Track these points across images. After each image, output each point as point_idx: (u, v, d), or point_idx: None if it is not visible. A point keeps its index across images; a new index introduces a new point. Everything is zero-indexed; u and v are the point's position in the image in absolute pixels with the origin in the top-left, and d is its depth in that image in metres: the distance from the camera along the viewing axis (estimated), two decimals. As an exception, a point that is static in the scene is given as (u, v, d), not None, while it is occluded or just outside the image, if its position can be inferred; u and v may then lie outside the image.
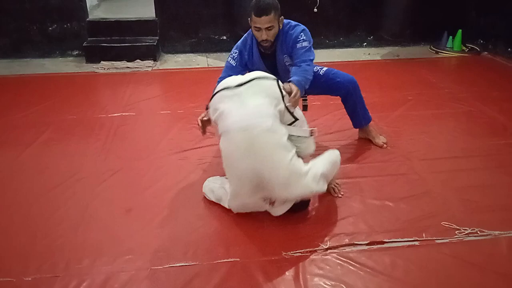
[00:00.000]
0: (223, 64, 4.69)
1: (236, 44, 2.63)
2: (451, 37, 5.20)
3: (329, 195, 2.39)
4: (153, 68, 4.67)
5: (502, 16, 4.95)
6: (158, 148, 2.96)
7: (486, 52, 5.13)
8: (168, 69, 4.71)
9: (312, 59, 2.52)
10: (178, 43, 5.18)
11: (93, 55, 4.78)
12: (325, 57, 4.80)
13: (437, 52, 5.23)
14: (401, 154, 2.85)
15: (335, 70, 2.78)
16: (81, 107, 3.61)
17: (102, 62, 4.72)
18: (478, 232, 2.11)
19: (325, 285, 1.82)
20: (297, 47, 2.48)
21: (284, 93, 2.14)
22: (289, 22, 2.54)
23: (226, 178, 2.22)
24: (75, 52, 5.00)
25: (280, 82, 2.18)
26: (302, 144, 2.16)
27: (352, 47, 5.41)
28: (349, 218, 2.22)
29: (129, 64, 4.71)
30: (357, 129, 3.01)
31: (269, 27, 2.37)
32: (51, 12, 4.84)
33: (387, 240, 2.06)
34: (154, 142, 3.04)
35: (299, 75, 2.41)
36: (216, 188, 2.32)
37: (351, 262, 1.94)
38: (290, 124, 2.15)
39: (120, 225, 2.19)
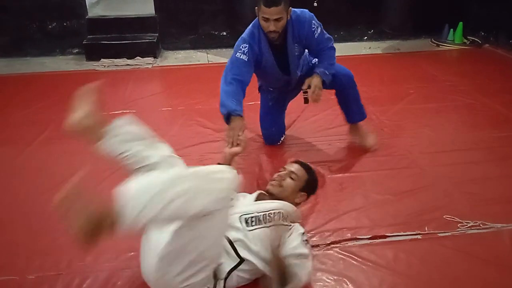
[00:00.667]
0: (223, 60, 4.74)
1: (242, 38, 2.46)
2: (452, 29, 5.17)
3: (330, 191, 2.38)
4: (153, 65, 4.67)
5: (503, 7, 4.92)
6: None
7: (487, 45, 5.11)
8: (168, 65, 4.70)
9: (332, 44, 2.52)
10: (178, 39, 5.17)
11: (93, 53, 4.77)
12: (326, 52, 4.78)
13: (438, 45, 5.20)
14: (403, 148, 2.84)
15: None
16: (81, 105, 3.60)
17: (102, 59, 4.71)
18: (481, 225, 2.10)
19: (327, 280, 1.82)
20: (315, 37, 2.44)
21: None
22: (293, 10, 2.44)
23: None
24: (75, 50, 4.99)
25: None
26: None
27: (353, 41, 5.38)
28: (351, 213, 2.22)
29: (129, 61, 4.70)
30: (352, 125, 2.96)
31: (278, 18, 2.29)
32: (51, 10, 4.83)
33: (389, 234, 2.06)
34: (155, 139, 3.03)
35: (322, 65, 2.47)
36: None
37: (353, 256, 1.93)
38: None
39: (122, 222, 2.19)
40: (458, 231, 2.08)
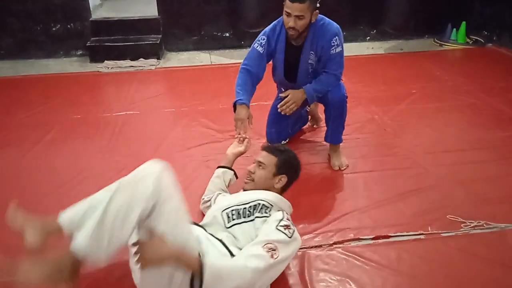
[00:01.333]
0: (226, 60, 4.76)
1: (264, 30, 2.48)
2: (455, 29, 5.16)
3: (333, 191, 2.39)
4: (157, 67, 4.68)
5: (507, 7, 4.91)
6: (162, 146, 2.97)
7: (490, 44, 5.09)
8: (171, 67, 4.71)
9: (341, 72, 2.47)
10: (181, 41, 5.18)
11: (97, 55, 4.79)
12: (329, 52, 4.78)
13: (441, 45, 5.19)
14: (406, 148, 2.84)
15: None
16: (85, 107, 3.63)
17: (105, 61, 4.73)
18: (484, 224, 2.10)
19: (330, 280, 1.82)
20: (330, 52, 2.39)
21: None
22: (323, 18, 2.42)
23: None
24: (79, 52, 5.01)
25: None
26: None
27: (356, 42, 5.38)
28: (354, 213, 2.22)
29: (133, 62, 4.72)
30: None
31: (300, 16, 2.25)
32: (55, 12, 4.85)
33: (393, 234, 2.06)
34: (158, 140, 3.04)
35: (316, 83, 2.44)
36: None
37: (356, 256, 1.94)
38: None
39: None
40: (461, 231, 2.08)
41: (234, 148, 2.32)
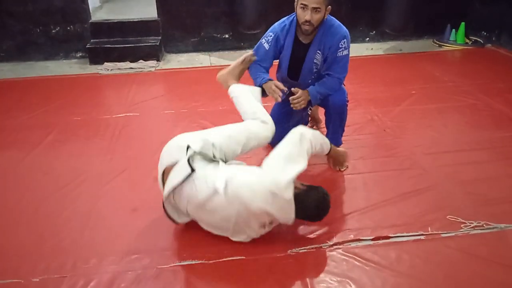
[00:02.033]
0: (226, 62, 4.76)
1: (273, 26, 2.50)
2: (454, 30, 5.17)
3: (333, 192, 2.39)
4: (156, 68, 4.68)
5: (506, 7, 4.92)
6: (162, 147, 2.96)
7: (489, 45, 5.10)
8: (171, 68, 4.72)
9: (344, 76, 2.49)
10: (181, 42, 5.19)
11: (97, 57, 4.80)
12: (328, 53, 4.79)
13: (440, 46, 5.20)
14: (406, 149, 2.84)
15: None
16: (85, 108, 3.63)
17: (105, 63, 4.74)
18: (484, 225, 2.11)
19: (330, 281, 1.82)
20: (337, 54, 2.40)
21: None
22: (333, 19, 2.44)
23: None
24: (79, 54, 5.02)
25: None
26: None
27: (355, 42, 5.36)
28: (354, 214, 2.23)
29: (132, 64, 4.72)
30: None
31: (317, 8, 2.25)
32: (54, 15, 4.86)
33: (393, 235, 2.07)
34: (158, 141, 3.02)
35: (320, 85, 2.45)
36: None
37: (356, 257, 1.94)
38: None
39: (126, 225, 2.21)
40: (461, 231, 2.08)
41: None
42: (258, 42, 2.54)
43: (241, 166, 2.10)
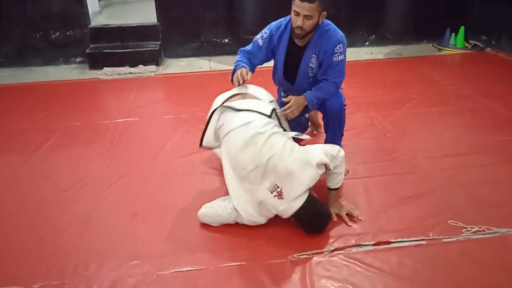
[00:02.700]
0: (225, 67, 4.76)
1: (270, 25, 2.48)
2: (453, 34, 5.18)
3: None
4: (156, 73, 4.69)
5: (505, 12, 4.92)
6: (162, 152, 2.96)
7: (489, 48, 5.11)
8: (170, 73, 4.72)
9: (341, 81, 2.46)
10: (180, 47, 5.20)
11: (96, 61, 4.80)
12: (328, 57, 4.79)
13: (440, 50, 5.21)
14: (406, 152, 2.84)
15: None
16: (85, 113, 3.63)
17: (105, 68, 4.74)
18: (485, 229, 2.09)
19: (332, 287, 1.81)
20: (333, 59, 2.38)
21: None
22: (330, 24, 2.42)
23: (224, 201, 2.19)
24: (78, 59, 5.02)
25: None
26: None
27: (355, 47, 5.39)
28: (355, 218, 2.21)
29: (132, 69, 4.73)
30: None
31: (308, 16, 2.24)
32: (54, 20, 4.87)
33: (394, 240, 2.05)
34: (158, 146, 3.04)
35: (317, 90, 2.42)
36: (220, 210, 2.17)
37: (357, 263, 1.93)
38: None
39: (126, 230, 2.20)
40: (463, 236, 2.07)
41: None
42: (256, 36, 2.51)
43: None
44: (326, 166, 2.09)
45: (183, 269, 1.93)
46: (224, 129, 2.22)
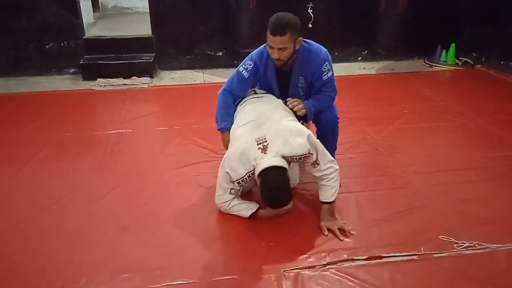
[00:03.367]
0: (219, 80, 4.78)
1: (250, 55, 2.44)
2: (444, 50, 5.26)
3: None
4: (150, 85, 4.69)
5: (494, 29, 5.02)
6: (155, 164, 2.96)
7: (479, 65, 5.19)
8: (164, 85, 4.73)
9: (335, 94, 2.47)
10: (175, 59, 5.22)
11: (90, 73, 4.80)
12: (321, 72, 4.83)
13: (431, 66, 5.28)
14: (398, 168, 2.85)
15: None
16: (78, 125, 3.61)
17: (98, 79, 4.74)
18: (477, 245, 2.11)
19: (324, 301, 1.81)
20: (323, 78, 2.37)
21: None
22: (309, 44, 2.38)
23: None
24: (72, 70, 5.02)
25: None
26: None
27: (347, 62, 5.45)
28: (347, 233, 2.21)
29: (126, 81, 4.73)
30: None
31: (282, 48, 2.22)
32: (48, 30, 4.87)
33: (386, 255, 2.06)
34: (151, 158, 3.03)
35: (314, 100, 2.42)
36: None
37: (350, 277, 1.93)
38: None
39: (117, 243, 2.18)
40: (454, 251, 2.08)
41: None
42: (238, 68, 2.43)
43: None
44: (316, 162, 2.18)
45: (174, 283, 1.91)
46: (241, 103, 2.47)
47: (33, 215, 2.41)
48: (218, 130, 2.48)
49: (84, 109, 4.04)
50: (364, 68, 5.27)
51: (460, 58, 5.32)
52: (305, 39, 2.37)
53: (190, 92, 4.50)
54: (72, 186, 2.68)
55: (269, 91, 2.55)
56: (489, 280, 1.91)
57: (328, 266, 1.99)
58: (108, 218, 2.38)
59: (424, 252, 2.07)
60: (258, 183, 2.13)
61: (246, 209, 2.31)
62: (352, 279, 1.92)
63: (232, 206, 2.31)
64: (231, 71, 5.23)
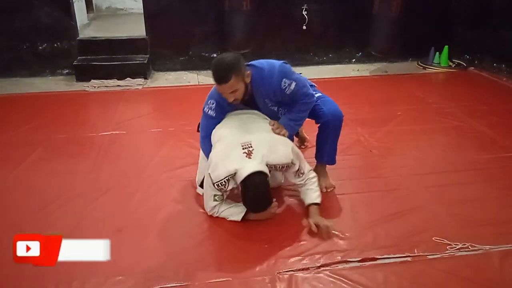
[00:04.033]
0: (213, 81, 4.76)
1: (210, 94, 2.39)
2: (438, 53, 5.29)
3: (320, 212, 2.39)
4: (144, 86, 4.68)
5: (487, 32, 5.06)
6: (149, 166, 2.95)
7: (472, 67, 5.22)
8: (158, 87, 4.72)
9: (310, 94, 2.36)
10: (169, 61, 5.21)
11: (84, 74, 4.78)
12: (315, 74, 4.84)
13: (424, 68, 5.31)
14: (391, 170, 2.86)
15: (327, 98, 2.58)
16: (71, 126, 3.59)
17: (92, 80, 4.72)
18: (469, 247, 2.12)
19: (318, 303, 1.81)
20: (287, 93, 2.26)
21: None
22: (259, 67, 2.27)
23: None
24: (66, 71, 4.99)
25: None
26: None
27: (341, 64, 5.47)
28: (341, 235, 2.22)
29: (120, 82, 4.71)
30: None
31: (233, 91, 2.18)
32: (42, 31, 4.84)
33: (380, 257, 2.06)
34: (145, 160, 3.02)
35: (289, 113, 2.37)
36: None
37: (343, 279, 1.93)
38: None
39: (110, 245, 2.16)
40: (447, 253, 2.09)
41: None
42: (203, 109, 2.40)
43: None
44: (299, 171, 2.29)
45: (169, 285, 1.91)
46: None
47: (26, 216, 2.39)
48: None
49: (78, 111, 4.02)
50: (358, 70, 5.29)
51: (453, 60, 5.36)
52: (253, 63, 2.29)
53: (184, 93, 4.49)
54: (66, 188, 2.66)
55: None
56: (482, 281, 1.92)
57: (322, 268, 2.00)
58: (101, 220, 2.37)
59: (418, 254, 2.08)
60: (240, 187, 2.17)
61: (235, 213, 2.30)
62: (346, 281, 1.92)
63: (222, 212, 2.31)
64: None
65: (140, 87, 4.64)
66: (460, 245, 2.12)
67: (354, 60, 5.55)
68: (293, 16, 5.14)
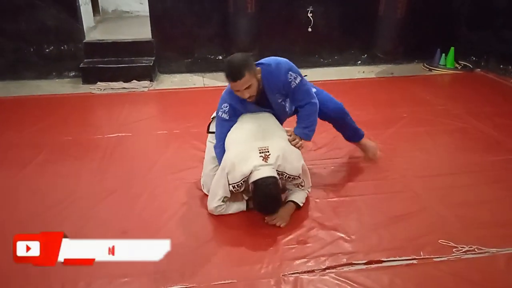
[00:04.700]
0: (219, 84, 4.79)
1: (222, 97, 2.44)
2: (443, 54, 5.27)
3: (325, 215, 2.39)
4: (149, 88, 4.69)
5: (493, 33, 5.04)
6: (154, 168, 2.95)
7: (478, 69, 5.19)
8: (164, 89, 4.73)
9: (313, 100, 2.44)
10: (174, 63, 5.22)
11: (90, 76, 4.80)
12: (320, 76, 4.85)
13: (430, 70, 5.29)
14: (397, 172, 2.85)
15: (322, 95, 2.65)
16: (77, 128, 3.61)
17: (98, 83, 4.74)
18: (476, 249, 2.11)
19: (323, 306, 1.80)
20: (292, 87, 2.35)
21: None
22: (269, 63, 2.35)
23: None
24: (72, 73, 5.02)
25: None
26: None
27: (347, 65, 5.46)
28: (346, 237, 2.21)
29: (126, 84, 4.73)
30: (355, 146, 3.02)
31: (247, 87, 2.23)
32: (48, 34, 4.87)
33: (385, 259, 2.06)
34: (150, 162, 3.03)
35: (300, 122, 2.46)
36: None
37: (349, 282, 1.93)
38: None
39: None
40: (453, 255, 2.08)
41: None
42: (217, 114, 2.43)
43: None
44: (300, 183, 2.38)
45: (174, 287, 1.91)
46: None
47: (31, 218, 2.40)
48: None
49: (84, 113, 4.04)
50: (363, 71, 5.27)
51: (460, 62, 5.33)
52: (260, 62, 2.35)
53: (189, 95, 4.50)
54: (71, 190, 2.67)
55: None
56: (489, 284, 1.91)
57: (327, 271, 1.99)
58: (107, 221, 2.38)
59: (424, 257, 2.07)
60: (251, 188, 2.20)
61: (240, 205, 2.43)
62: (352, 283, 1.92)
63: (228, 209, 2.40)
64: (231, 75, 5.20)
65: (145, 89, 4.66)
66: (467, 248, 2.11)
67: (359, 62, 5.54)
68: (298, 18, 5.14)
